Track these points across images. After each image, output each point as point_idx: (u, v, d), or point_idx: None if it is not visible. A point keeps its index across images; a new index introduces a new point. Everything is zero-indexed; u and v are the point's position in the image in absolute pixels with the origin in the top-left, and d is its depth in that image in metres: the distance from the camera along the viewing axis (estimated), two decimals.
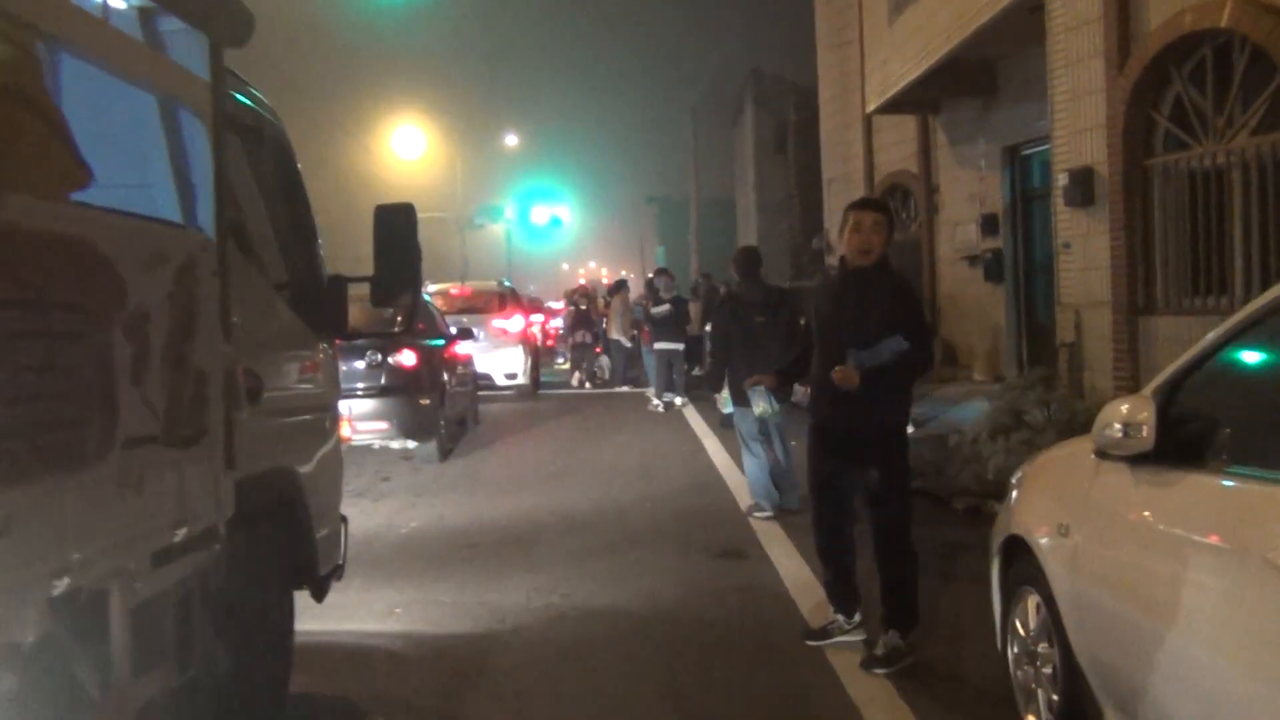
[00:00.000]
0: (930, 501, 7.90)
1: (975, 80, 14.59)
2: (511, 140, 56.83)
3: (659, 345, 15.19)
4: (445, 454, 11.13)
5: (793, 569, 6.00)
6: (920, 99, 15.52)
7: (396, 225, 4.15)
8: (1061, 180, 8.81)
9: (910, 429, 11.27)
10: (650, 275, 17.52)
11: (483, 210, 52.90)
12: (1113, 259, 8.37)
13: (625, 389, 18.30)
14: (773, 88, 26.65)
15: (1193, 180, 7.78)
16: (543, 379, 20.02)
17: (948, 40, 12.01)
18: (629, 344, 18.48)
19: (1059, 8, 8.97)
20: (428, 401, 10.66)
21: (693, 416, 13.91)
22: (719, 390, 7.92)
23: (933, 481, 8.39)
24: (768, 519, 7.42)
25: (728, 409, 7.70)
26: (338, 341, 4.55)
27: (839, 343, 4.49)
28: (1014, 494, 3.78)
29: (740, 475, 9.03)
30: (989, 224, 14.75)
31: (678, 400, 15.02)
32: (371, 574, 6.06)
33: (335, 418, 4.42)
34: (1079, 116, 8.75)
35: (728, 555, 6.43)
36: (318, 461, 4.06)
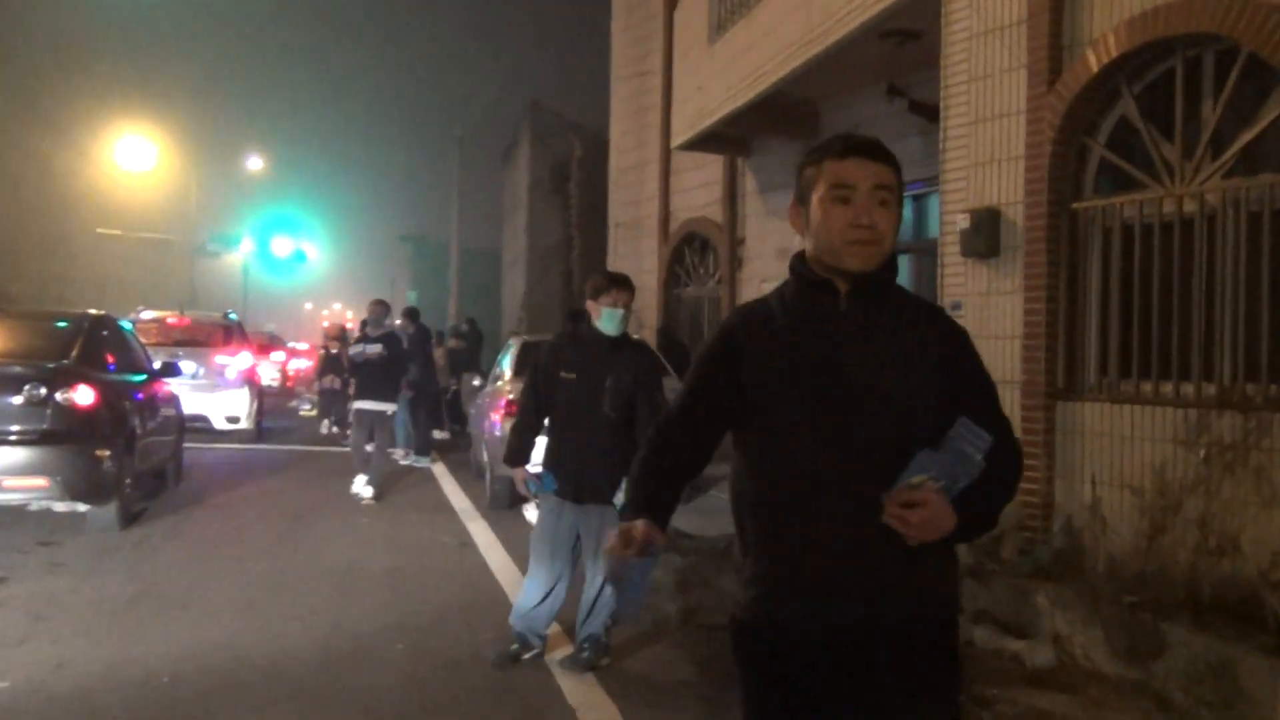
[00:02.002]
0: None
1: (795, 121, 12.95)
2: (255, 164, 52.45)
3: (358, 404, 10.76)
4: (128, 520, 8.53)
5: None
6: (730, 138, 13.76)
7: None
8: (959, 223, 6.94)
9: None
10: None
11: (218, 237, 48.60)
12: (1025, 326, 6.53)
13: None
14: (552, 123, 24.53)
15: (1144, 231, 6.04)
16: (269, 425, 17.33)
17: (790, 59, 10.17)
18: None
19: (962, 8, 7.18)
20: (107, 453, 8.12)
21: (452, 489, 11.25)
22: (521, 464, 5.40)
23: None
24: (570, 667, 5.00)
25: (538, 490, 5.21)
26: None
27: (877, 433, 2.09)
28: None
29: None
30: None
31: (366, 493, 10.28)
32: None
33: None
34: (983, 145, 6.94)
35: None
36: None
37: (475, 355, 18.19)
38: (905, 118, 11.37)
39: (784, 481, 2.18)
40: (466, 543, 8.25)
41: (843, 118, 12.41)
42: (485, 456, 10.20)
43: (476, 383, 12.33)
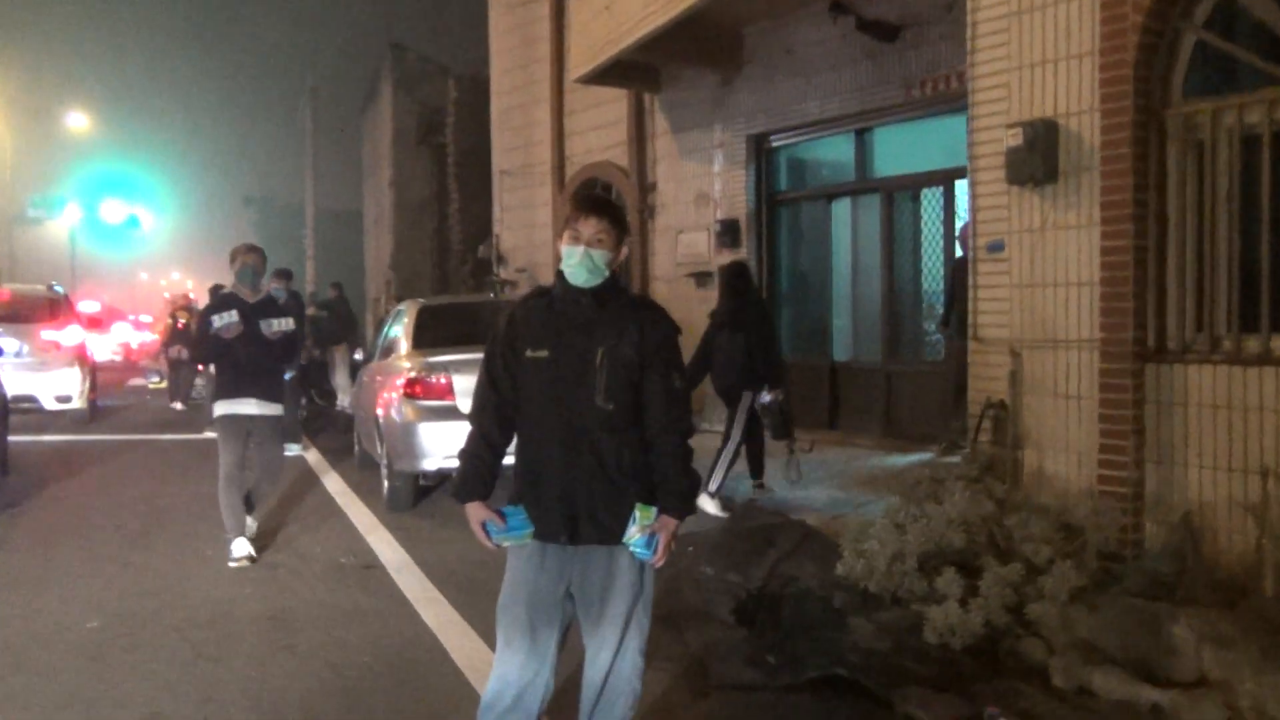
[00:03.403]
0: (846, 698, 4.21)
1: (715, 49, 11.39)
2: (78, 121, 48.10)
3: (237, 407, 6.63)
4: None
5: None
6: (639, 69, 12.10)
7: None
8: (1009, 140, 5.47)
9: (716, 507, 7.52)
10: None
11: (40, 202, 44.46)
12: (1104, 269, 5.13)
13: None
14: (417, 67, 22.27)
15: (1276, 141, 4.68)
16: (108, 403, 16.63)
17: None
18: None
19: None
20: None
21: (337, 486, 9.35)
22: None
23: (823, 651, 4.69)
24: None
25: (507, 536, 3.38)
26: None
27: None
28: None
29: (474, 634, 4.91)
30: (729, 232, 11.49)
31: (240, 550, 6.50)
32: None
33: None
34: (1032, 41, 5.49)
35: None
36: None
37: (347, 326, 16.11)
38: (851, 39, 9.93)
39: None
40: (371, 564, 6.45)
41: (773, 42, 10.91)
42: (379, 447, 8.38)
43: (358, 356, 10.41)
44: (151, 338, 26.94)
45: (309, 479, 9.85)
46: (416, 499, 8.07)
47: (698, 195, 12.08)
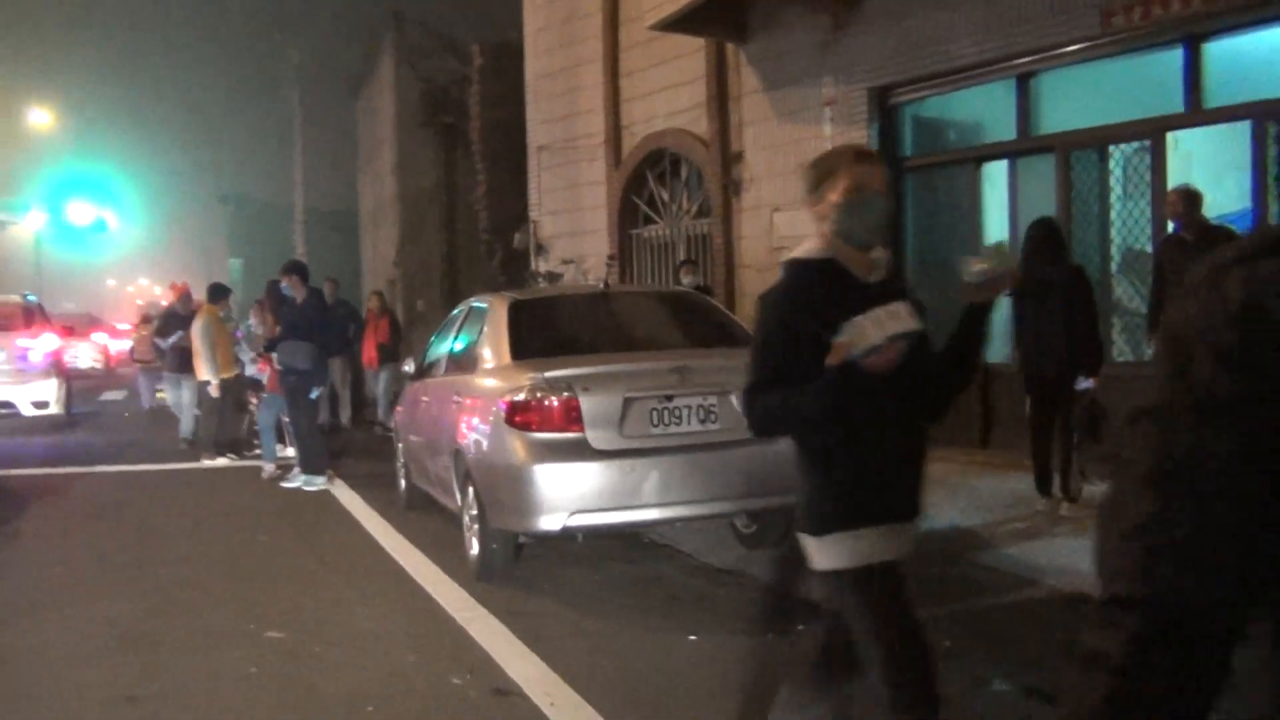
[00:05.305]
0: None
1: None
2: (40, 118, 45.52)
3: (864, 546, 2.55)
4: None
5: None
6: (721, 14, 10.06)
7: None
8: None
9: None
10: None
11: (2, 205, 42.25)
12: None
13: (222, 461, 11.11)
14: (422, 39, 20.08)
15: None
16: (81, 410, 16.40)
17: None
18: (217, 392, 11.15)
19: None
20: None
21: (392, 539, 7.19)
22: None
23: None
24: None
25: None
26: None
27: None
28: None
29: None
30: None
31: None
32: None
33: None
34: None
35: None
36: None
37: (349, 333, 13.73)
38: None
39: None
40: (503, 689, 4.30)
41: None
42: (459, 494, 6.24)
43: (408, 368, 8.25)
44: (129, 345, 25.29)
45: (349, 526, 7.70)
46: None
47: (800, 164, 10.01)
